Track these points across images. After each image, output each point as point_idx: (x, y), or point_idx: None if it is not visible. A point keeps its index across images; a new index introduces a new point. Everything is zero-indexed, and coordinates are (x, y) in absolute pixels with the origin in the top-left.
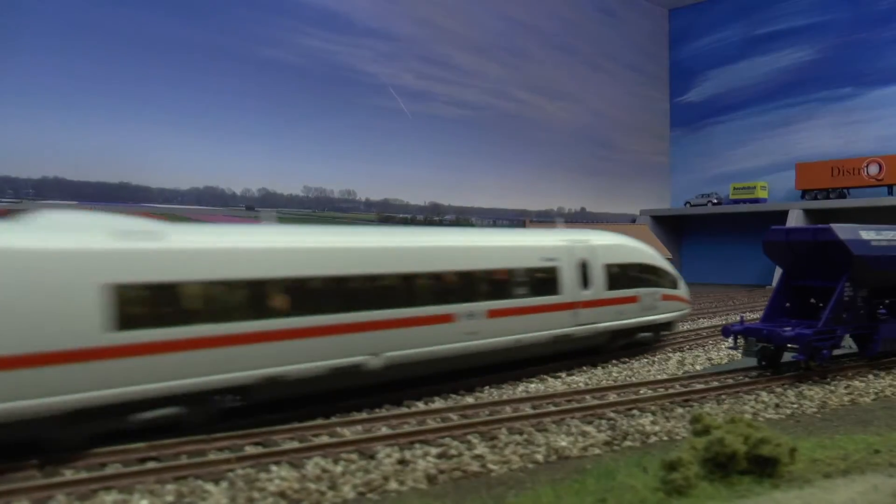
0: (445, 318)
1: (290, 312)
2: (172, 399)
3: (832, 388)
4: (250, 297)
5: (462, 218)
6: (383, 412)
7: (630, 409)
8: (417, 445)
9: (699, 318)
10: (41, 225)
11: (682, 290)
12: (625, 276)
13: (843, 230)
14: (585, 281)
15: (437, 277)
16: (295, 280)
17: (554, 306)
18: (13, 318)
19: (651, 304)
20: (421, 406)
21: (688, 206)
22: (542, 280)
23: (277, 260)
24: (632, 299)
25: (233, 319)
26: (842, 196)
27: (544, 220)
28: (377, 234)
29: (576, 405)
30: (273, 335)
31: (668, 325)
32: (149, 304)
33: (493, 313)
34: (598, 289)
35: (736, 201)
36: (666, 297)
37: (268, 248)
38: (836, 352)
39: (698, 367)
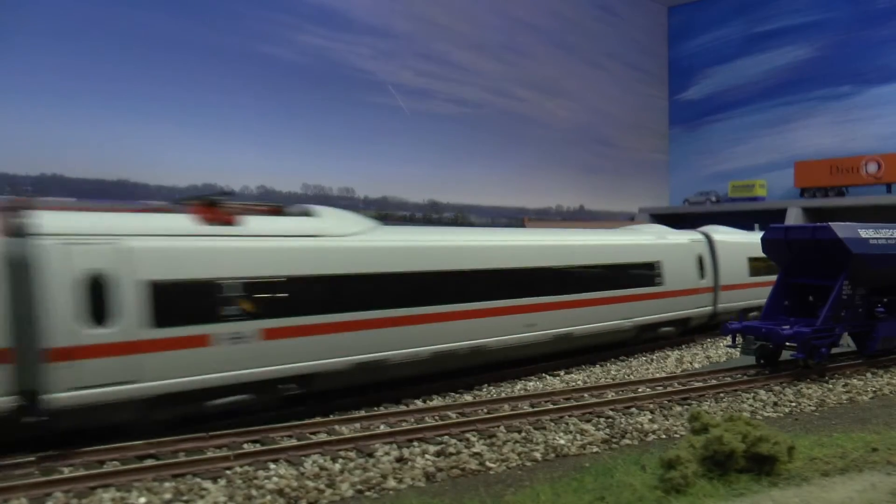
0: None
1: (758, 274)
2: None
3: (830, 386)
4: (747, 267)
5: (461, 216)
6: (381, 410)
7: (628, 408)
8: (416, 443)
9: None
10: (718, 230)
11: None
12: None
13: (841, 228)
14: None
15: None
16: (758, 258)
17: None
18: (730, 269)
19: None
20: (419, 404)
21: (686, 203)
22: None
23: (750, 247)
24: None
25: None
26: (840, 194)
27: (542, 217)
28: None
29: (574, 403)
30: (750, 285)
31: None
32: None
33: None
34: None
35: (735, 199)
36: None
37: (746, 241)
38: (835, 350)
39: (697, 366)
